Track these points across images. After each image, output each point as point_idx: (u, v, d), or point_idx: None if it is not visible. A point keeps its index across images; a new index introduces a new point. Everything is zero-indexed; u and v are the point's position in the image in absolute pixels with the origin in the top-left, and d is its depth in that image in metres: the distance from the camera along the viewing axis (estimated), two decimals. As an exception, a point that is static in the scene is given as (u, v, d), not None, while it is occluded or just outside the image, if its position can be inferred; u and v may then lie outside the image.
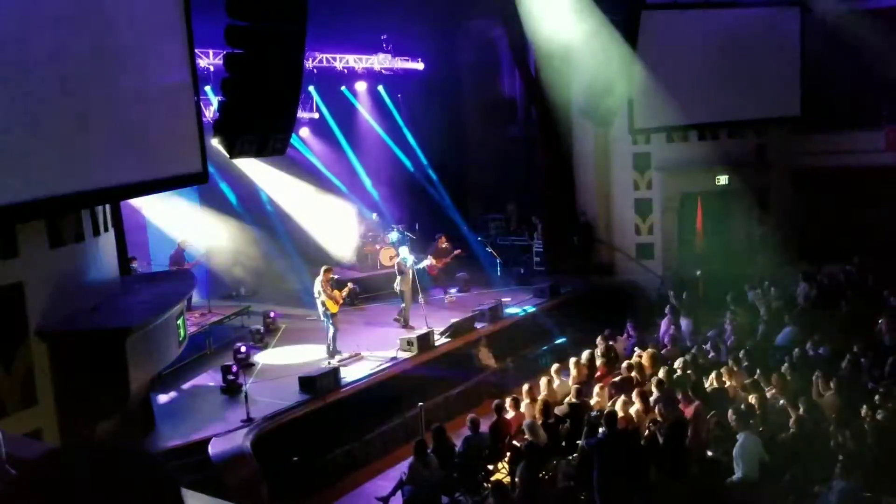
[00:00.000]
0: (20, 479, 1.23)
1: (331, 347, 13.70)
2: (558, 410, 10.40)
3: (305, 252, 18.84)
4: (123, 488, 1.23)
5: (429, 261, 16.97)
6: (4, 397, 8.51)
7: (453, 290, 18.40)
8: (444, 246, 18.35)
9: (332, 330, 13.68)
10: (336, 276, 14.56)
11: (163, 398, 12.31)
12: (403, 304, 15.59)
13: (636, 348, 13.43)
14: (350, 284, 15.01)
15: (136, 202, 15.31)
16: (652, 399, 10.11)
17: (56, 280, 9.38)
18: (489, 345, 14.97)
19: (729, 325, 13.86)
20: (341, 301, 13.92)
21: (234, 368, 12.60)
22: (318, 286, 13.66)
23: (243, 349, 13.64)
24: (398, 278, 15.44)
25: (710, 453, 9.11)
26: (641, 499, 8.19)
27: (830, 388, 9.95)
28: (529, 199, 21.94)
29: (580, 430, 9.55)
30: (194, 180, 11.11)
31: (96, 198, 9.66)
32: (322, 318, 13.87)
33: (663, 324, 14.64)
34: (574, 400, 10.62)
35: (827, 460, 8.02)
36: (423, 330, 14.52)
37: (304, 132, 19.31)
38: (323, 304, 13.58)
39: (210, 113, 15.30)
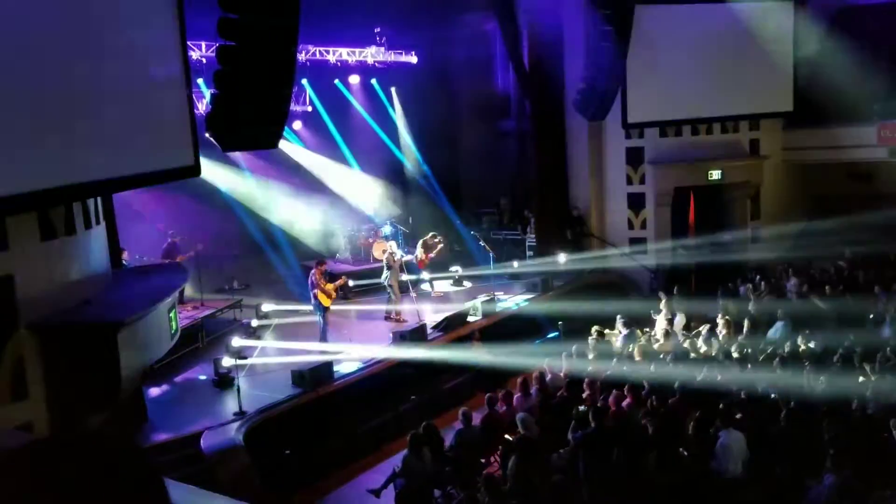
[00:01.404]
0: (2, 468, 1.22)
1: (322, 341, 13.70)
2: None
3: (297, 245, 18.82)
4: (105, 479, 1.23)
5: (419, 252, 17.05)
6: (-5, 390, 8.49)
7: (445, 283, 18.38)
8: (432, 243, 18.33)
9: (322, 324, 13.68)
10: (329, 269, 14.54)
11: (155, 391, 12.30)
12: (392, 299, 15.58)
13: (628, 342, 13.47)
14: (343, 277, 14.98)
15: (128, 194, 15.25)
16: (643, 393, 10.16)
17: (47, 273, 9.34)
18: (482, 338, 14.98)
19: (720, 319, 13.90)
20: (334, 295, 13.92)
21: (227, 361, 12.57)
22: (311, 279, 13.67)
23: (236, 342, 13.61)
24: (387, 272, 15.43)
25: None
26: (629, 492, 8.20)
27: (821, 382, 9.99)
28: (522, 194, 21.94)
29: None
30: (186, 173, 11.06)
31: (87, 190, 9.62)
32: (314, 311, 13.87)
33: (656, 318, 14.68)
34: (566, 394, 10.65)
35: (818, 454, 8.05)
36: (416, 324, 14.52)
37: (297, 125, 19.27)
38: (315, 297, 13.56)
39: (202, 106, 15.25)
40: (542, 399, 10.76)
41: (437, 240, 17.72)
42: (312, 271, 13.79)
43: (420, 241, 17.69)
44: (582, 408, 9.91)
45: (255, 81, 10.51)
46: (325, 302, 13.62)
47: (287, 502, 10.64)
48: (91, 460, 1.26)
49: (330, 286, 13.79)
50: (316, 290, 13.57)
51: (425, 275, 17.77)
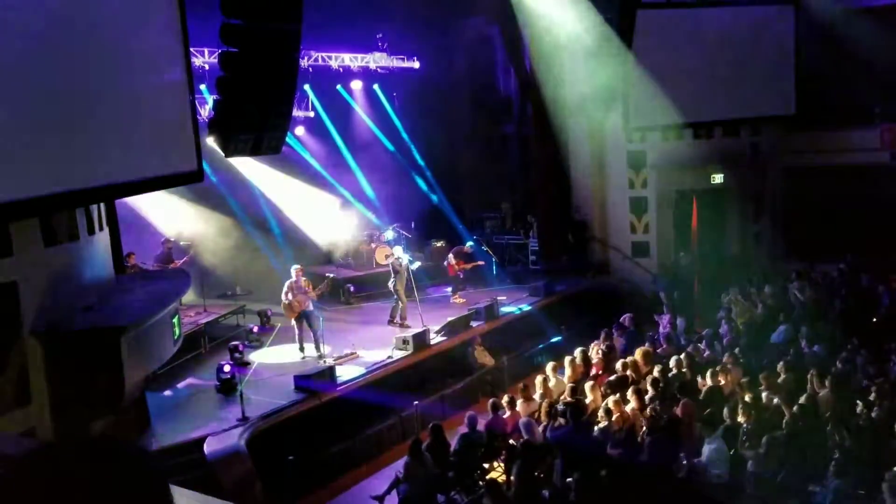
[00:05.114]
0: (8, 474, 1.23)
1: (319, 346, 13.80)
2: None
3: (300, 250, 18.82)
4: (111, 481, 1.23)
5: (450, 258, 17.15)
6: (-1, 396, 8.49)
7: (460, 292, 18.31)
8: (468, 252, 18.24)
9: (320, 329, 13.74)
10: (305, 278, 14.35)
11: (158, 397, 12.27)
12: (397, 303, 15.55)
13: (632, 347, 13.43)
14: (328, 275, 14.86)
15: (132, 200, 15.28)
16: (647, 397, 10.14)
17: (50, 279, 9.35)
18: (485, 343, 14.97)
19: (724, 323, 13.88)
20: (297, 310, 13.87)
21: (230, 367, 12.58)
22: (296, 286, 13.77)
23: (239, 348, 13.62)
24: (393, 277, 15.42)
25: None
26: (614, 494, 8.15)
27: (825, 386, 9.96)
28: (524, 198, 21.97)
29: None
30: (189, 179, 11.07)
31: (91, 196, 9.63)
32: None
33: (661, 321, 14.66)
34: (569, 398, 10.63)
35: (822, 458, 8.03)
36: (419, 328, 14.51)
37: (300, 131, 19.29)
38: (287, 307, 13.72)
39: (205, 111, 15.27)
40: (545, 404, 10.73)
41: (472, 251, 17.77)
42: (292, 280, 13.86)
43: (454, 249, 17.65)
44: (561, 406, 9.95)
45: (258, 87, 10.54)
46: (287, 314, 13.80)
47: (290, 508, 10.62)
48: (96, 462, 1.26)
49: (311, 290, 13.85)
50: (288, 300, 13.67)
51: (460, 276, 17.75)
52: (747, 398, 9.71)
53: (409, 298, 15.59)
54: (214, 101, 11.86)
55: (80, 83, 8.89)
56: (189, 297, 15.02)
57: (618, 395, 10.21)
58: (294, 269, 14.16)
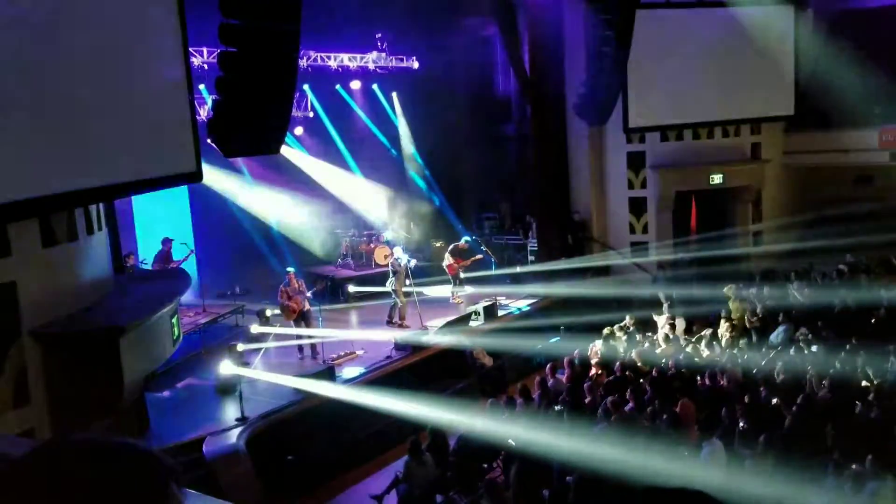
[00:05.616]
0: (6, 474, 1.22)
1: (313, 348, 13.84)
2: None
3: (299, 250, 18.82)
4: (111, 481, 1.22)
5: (447, 258, 17.03)
6: (-3, 397, 8.49)
7: (466, 289, 18.25)
8: (464, 248, 18.19)
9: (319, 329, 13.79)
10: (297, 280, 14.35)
11: (157, 397, 12.27)
12: (396, 304, 15.54)
13: (630, 347, 13.43)
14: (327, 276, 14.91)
15: (131, 200, 15.29)
16: (646, 398, 10.15)
17: (49, 279, 9.34)
18: (483, 343, 14.95)
19: (723, 323, 13.88)
20: (296, 309, 13.92)
21: (229, 367, 12.56)
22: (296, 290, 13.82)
23: (238, 348, 13.60)
24: (391, 277, 15.41)
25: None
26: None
27: (824, 387, 9.97)
28: (523, 198, 21.96)
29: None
30: (188, 179, 11.08)
31: (90, 196, 9.63)
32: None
33: (660, 322, 14.66)
34: (568, 398, 10.64)
35: (821, 458, 8.03)
36: (418, 329, 14.50)
37: (299, 131, 19.29)
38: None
39: (204, 112, 15.27)
40: (544, 404, 10.74)
41: (468, 247, 17.67)
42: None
43: (450, 247, 17.61)
44: (558, 407, 9.95)
45: (257, 87, 10.53)
46: (286, 317, 13.73)
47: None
48: (101, 464, 1.25)
49: (295, 300, 13.87)
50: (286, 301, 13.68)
51: (461, 275, 17.50)
52: (746, 399, 9.72)
53: (407, 299, 15.59)
54: (213, 101, 11.86)
55: (78, 83, 8.89)
56: (188, 296, 14.99)
57: (616, 395, 10.21)
58: (288, 271, 14.19)
